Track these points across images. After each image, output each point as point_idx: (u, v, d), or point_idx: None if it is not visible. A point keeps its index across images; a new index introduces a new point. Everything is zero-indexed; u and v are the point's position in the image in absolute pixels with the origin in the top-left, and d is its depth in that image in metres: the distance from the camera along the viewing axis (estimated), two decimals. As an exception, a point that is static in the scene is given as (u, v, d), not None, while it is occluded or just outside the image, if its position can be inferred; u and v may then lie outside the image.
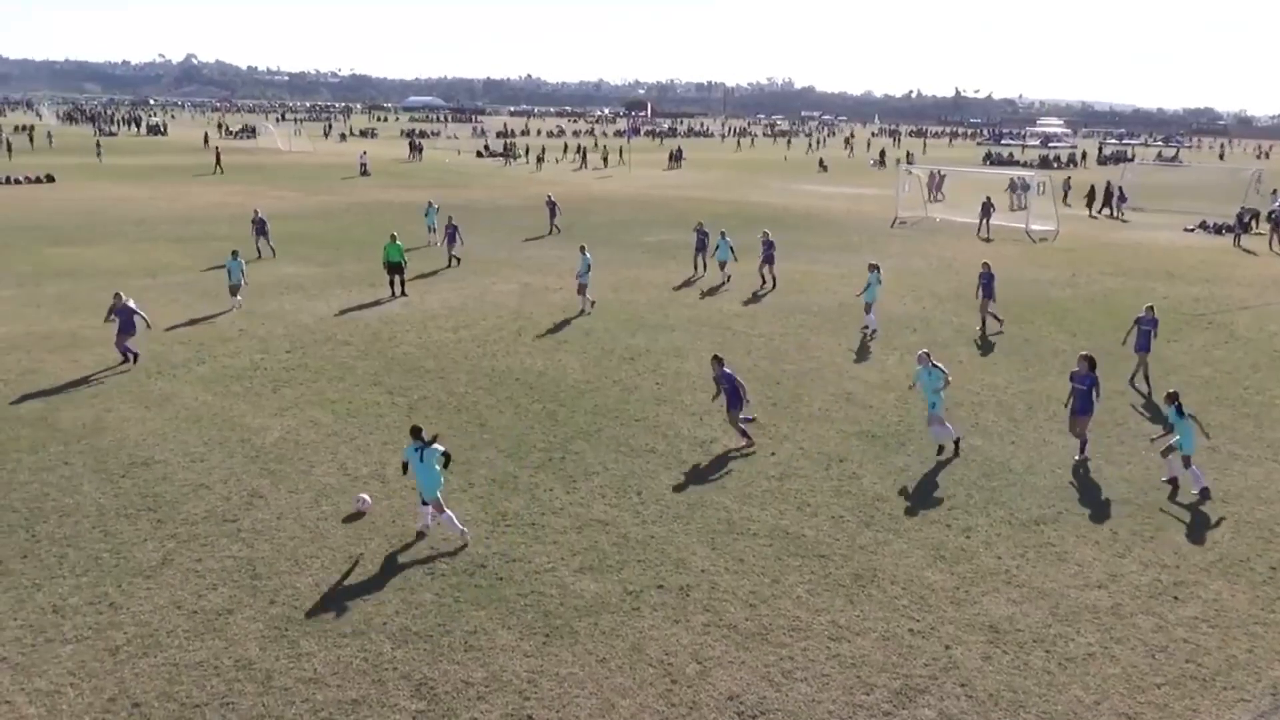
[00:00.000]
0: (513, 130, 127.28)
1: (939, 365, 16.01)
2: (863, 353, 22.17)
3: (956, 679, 9.92)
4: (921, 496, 14.34)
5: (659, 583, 11.67)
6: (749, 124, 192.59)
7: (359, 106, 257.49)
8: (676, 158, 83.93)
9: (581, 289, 25.53)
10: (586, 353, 21.66)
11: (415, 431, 12.48)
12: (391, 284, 27.15)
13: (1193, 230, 45.05)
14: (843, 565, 12.19)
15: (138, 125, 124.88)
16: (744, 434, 16.09)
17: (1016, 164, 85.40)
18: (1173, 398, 14.67)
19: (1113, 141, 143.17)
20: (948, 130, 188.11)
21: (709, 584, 11.67)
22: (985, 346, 22.95)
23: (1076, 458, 15.75)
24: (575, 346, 22.16)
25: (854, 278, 27.89)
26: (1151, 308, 20.42)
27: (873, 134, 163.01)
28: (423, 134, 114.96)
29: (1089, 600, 11.45)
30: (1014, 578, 11.97)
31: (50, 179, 56.56)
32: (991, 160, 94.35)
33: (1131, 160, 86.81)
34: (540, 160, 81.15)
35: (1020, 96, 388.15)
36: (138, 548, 12.24)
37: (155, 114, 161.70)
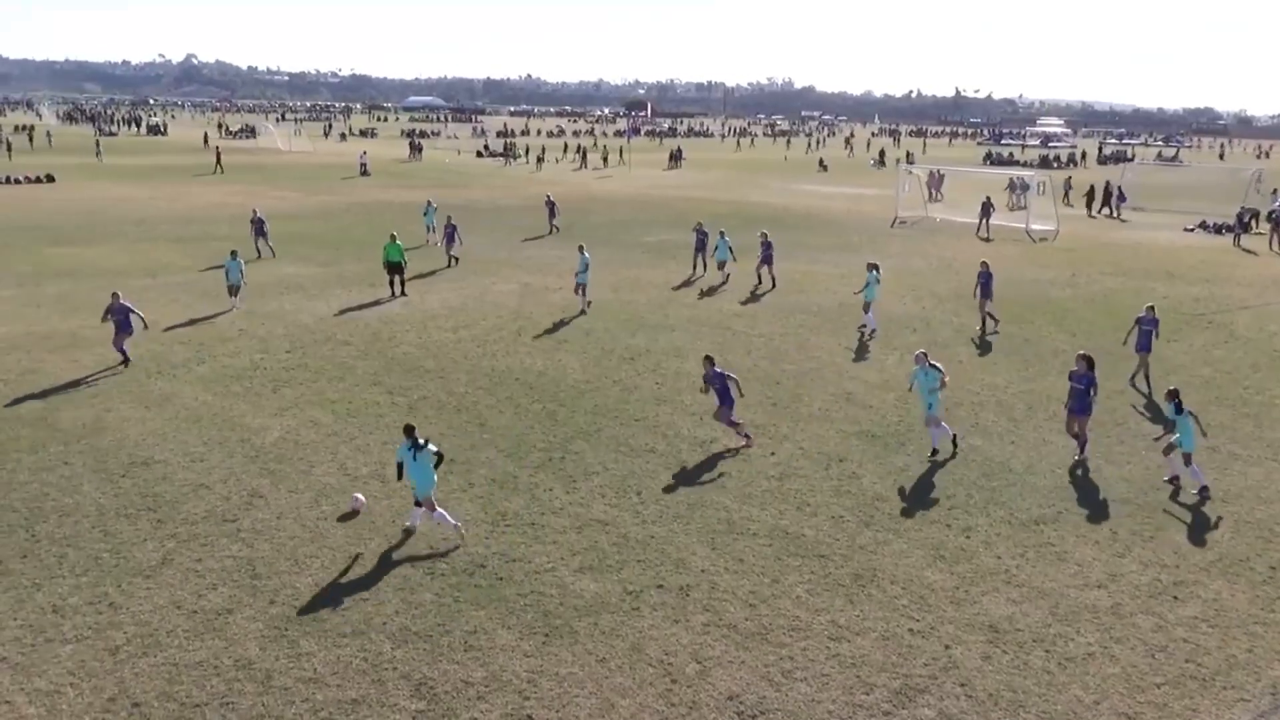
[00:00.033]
0: (513, 130, 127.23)
1: (936, 365, 16.00)
2: (862, 352, 22.18)
3: (956, 679, 9.93)
4: (921, 496, 14.35)
5: (659, 583, 11.68)
6: (749, 124, 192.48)
7: (359, 106, 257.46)
8: (676, 158, 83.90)
9: (580, 288, 25.55)
10: (586, 353, 21.66)
11: (408, 430, 12.58)
12: (391, 284, 27.16)
13: (1193, 230, 45.05)
14: (842, 565, 12.20)
15: (138, 125, 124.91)
16: (743, 434, 16.08)
17: (1016, 164, 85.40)
18: (1173, 395, 14.71)
19: (1113, 141, 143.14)
20: (948, 130, 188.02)
21: (709, 584, 11.68)
22: (985, 346, 22.96)
23: (1076, 457, 15.76)
24: (575, 346, 22.16)
25: (854, 278, 27.88)
26: (1152, 307, 20.42)
27: (873, 134, 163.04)
28: (423, 134, 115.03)
29: (1089, 600, 11.46)
30: (1014, 577, 11.98)
31: (50, 179, 56.55)
32: (991, 160, 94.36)
33: (1131, 160, 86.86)
34: (540, 160, 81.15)
35: (1020, 96, 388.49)
36: (137, 548, 12.25)
37: (155, 114, 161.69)
